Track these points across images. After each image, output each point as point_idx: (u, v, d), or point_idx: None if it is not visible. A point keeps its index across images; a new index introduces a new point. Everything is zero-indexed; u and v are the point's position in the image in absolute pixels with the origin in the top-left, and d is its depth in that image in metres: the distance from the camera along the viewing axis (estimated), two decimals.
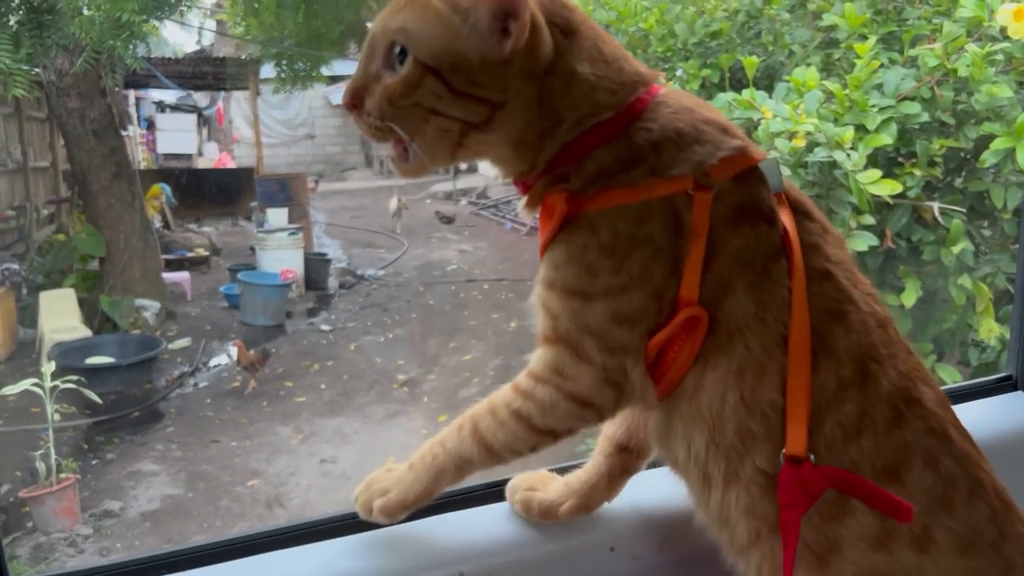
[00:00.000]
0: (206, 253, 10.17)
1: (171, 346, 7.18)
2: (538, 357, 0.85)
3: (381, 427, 5.75)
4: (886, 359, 0.79)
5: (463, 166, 16.94)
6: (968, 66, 2.41)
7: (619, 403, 0.84)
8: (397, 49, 0.78)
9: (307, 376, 6.71)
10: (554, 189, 0.82)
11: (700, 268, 0.78)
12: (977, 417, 1.26)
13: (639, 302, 0.80)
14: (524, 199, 0.87)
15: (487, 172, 14.08)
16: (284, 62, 8.68)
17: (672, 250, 0.79)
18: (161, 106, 17.07)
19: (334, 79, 15.63)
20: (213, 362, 7.03)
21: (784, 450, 0.76)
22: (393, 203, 12.22)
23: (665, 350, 0.79)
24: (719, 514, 0.80)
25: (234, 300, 8.25)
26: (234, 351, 6.47)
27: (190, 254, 9.94)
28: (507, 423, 0.85)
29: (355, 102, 0.80)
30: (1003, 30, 2.43)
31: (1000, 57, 2.44)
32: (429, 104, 0.77)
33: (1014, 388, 1.32)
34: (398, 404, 6.10)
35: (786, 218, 0.80)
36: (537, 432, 0.85)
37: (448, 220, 12.65)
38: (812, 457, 0.76)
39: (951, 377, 2.66)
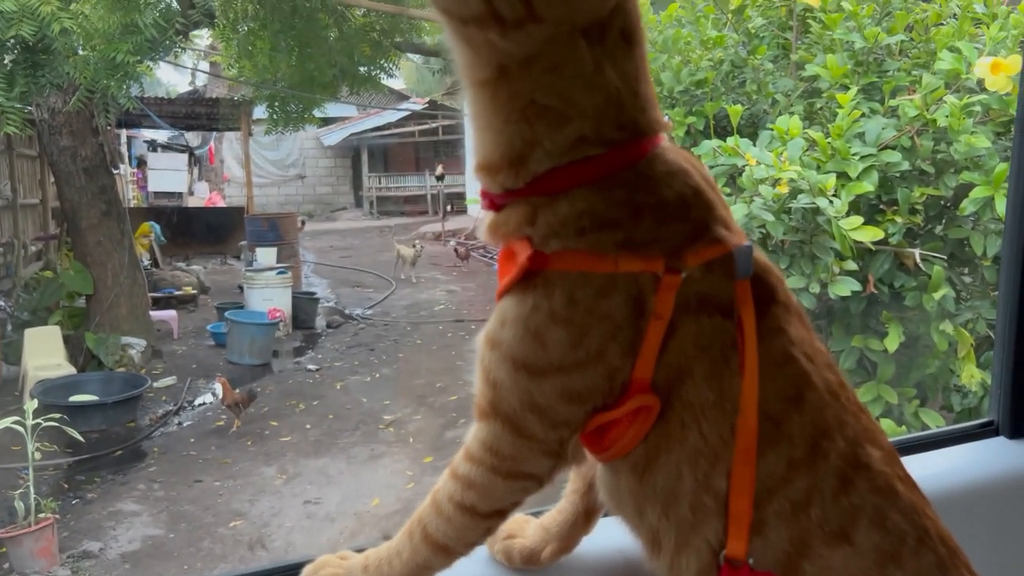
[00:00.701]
0: (194, 291, 10.15)
1: (156, 384, 7.13)
2: (474, 435, 0.81)
3: (366, 468, 5.71)
4: (836, 431, 0.78)
5: (450, 208, 17.05)
6: (947, 117, 2.47)
7: (555, 470, 0.82)
8: None
9: (292, 416, 6.67)
10: (520, 235, 0.76)
11: (657, 350, 0.75)
12: (959, 462, 1.28)
13: (592, 380, 0.76)
14: (487, 219, 0.80)
15: (475, 213, 14.14)
16: (277, 104, 8.77)
17: (631, 330, 0.75)
18: (153, 145, 17.16)
19: (326, 121, 15.79)
20: (198, 401, 6.98)
21: (724, 551, 0.76)
22: (407, 250, 11.83)
23: (609, 428, 0.77)
24: (669, 571, 0.80)
25: (221, 339, 8.22)
26: (219, 389, 6.44)
27: (178, 292, 9.93)
28: (454, 518, 0.81)
29: None
30: (980, 82, 2.49)
31: (978, 108, 2.50)
32: (465, 11, 0.69)
33: (996, 433, 1.33)
34: (384, 445, 6.06)
35: (747, 312, 0.77)
36: (486, 517, 0.82)
37: (464, 257, 12.74)
38: (751, 561, 0.76)
39: (934, 422, 2.67)
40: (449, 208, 17.24)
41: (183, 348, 8.46)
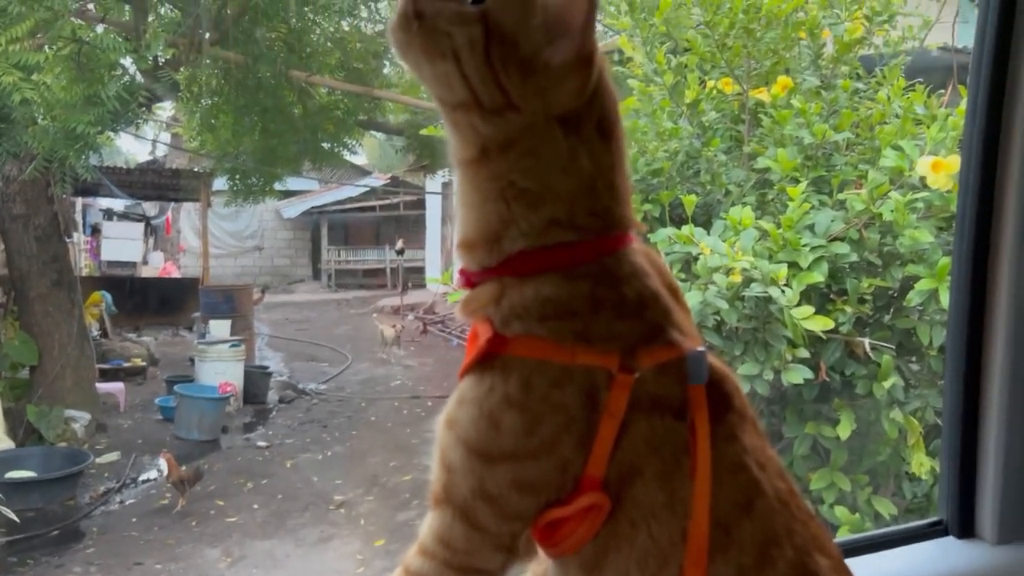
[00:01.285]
0: (143, 363, 9.93)
1: (99, 460, 6.89)
2: (428, 526, 0.81)
3: (315, 551, 5.53)
4: (785, 539, 0.79)
5: (409, 283, 17.05)
6: (892, 211, 2.55)
7: (507, 565, 0.81)
8: None
9: (240, 495, 6.47)
10: (485, 314, 0.78)
11: (609, 448, 0.75)
12: (909, 563, 1.28)
13: (544, 470, 0.76)
14: (463, 298, 0.82)
15: (434, 288, 14.17)
16: (238, 176, 8.80)
17: (584, 423, 0.76)
18: (109, 213, 16.97)
19: (287, 194, 15.83)
20: (142, 477, 6.75)
21: None
22: (388, 330, 11.46)
23: (560, 524, 0.77)
24: None
25: (169, 413, 8.01)
26: (164, 464, 6.24)
27: (126, 364, 9.70)
28: None
29: (418, 6, 0.76)
30: (923, 180, 2.59)
31: (920, 205, 2.60)
32: (458, 46, 0.74)
33: (945, 533, 1.35)
34: (334, 526, 5.90)
35: (700, 417, 0.78)
36: None
37: (425, 331, 12.69)
38: None
39: (886, 510, 2.69)
40: (408, 283, 17.23)
41: (129, 422, 8.22)
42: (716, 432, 0.78)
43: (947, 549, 1.31)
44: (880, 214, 2.60)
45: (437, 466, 0.80)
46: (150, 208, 17.70)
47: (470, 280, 0.82)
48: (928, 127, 2.71)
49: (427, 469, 0.82)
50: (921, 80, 2.96)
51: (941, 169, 2.50)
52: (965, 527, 1.33)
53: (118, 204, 16.56)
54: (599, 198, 0.79)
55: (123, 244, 16.24)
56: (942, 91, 2.97)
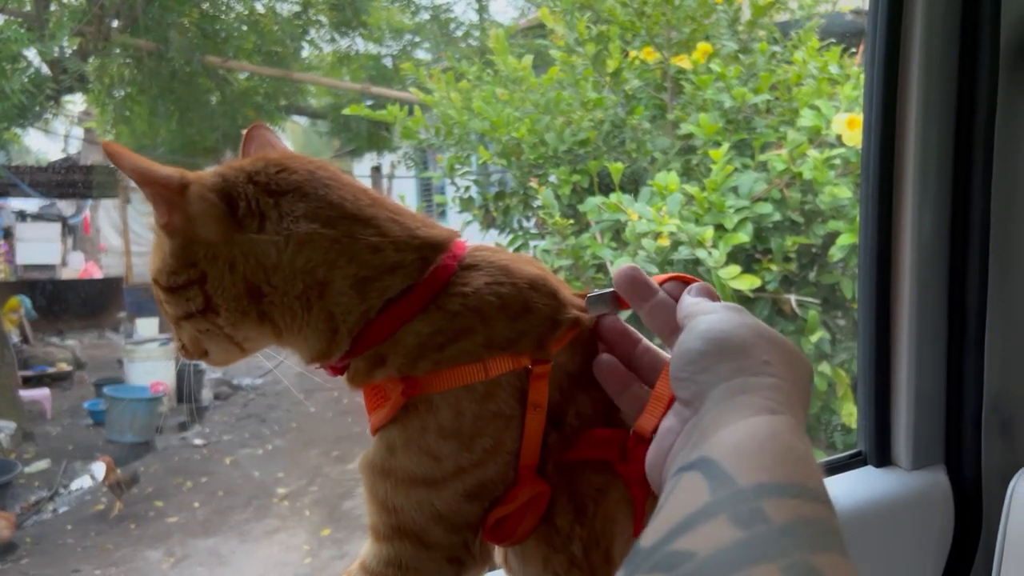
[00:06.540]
0: (69, 368, 9.61)
1: (27, 469, 6.65)
2: (373, 552, 0.77)
3: (260, 545, 5.46)
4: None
5: None
6: (811, 170, 2.62)
7: (461, 574, 0.79)
8: None
9: (179, 495, 6.34)
10: (382, 376, 0.74)
11: (540, 436, 0.73)
12: (833, 492, 1.34)
13: (492, 472, 0.74)
14: (346, 376, 0.77)
15: None
16: None
17: (520, 417, 0.73)
18: (22, 215, 16.28)
19: None
20: (75, 485, 6.55)
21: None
22: None
23: (505, 521, 0.75)
24: None
25: (99, 417, 7.78)
26: (100, 468, 6.07)
27: (51, 369, 9.37)
28: None
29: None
30: (839, 138, 2.67)
31: (838, 162, 2.67)
32: (174, 313, 0.82)
33: (864, 463, 1.44)
34: (278, 519, 5.83)
35: None
36: None
37: None
38: None
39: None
40: None
41: (58, 429, 7.95)
42: None
43: (867, 477, 1.39)
44: (800, 173, 2.66)
45: (377, 510, 0.76)
46: (66, 207, 17.03)
47: (336, 369, 0.77)
48: (843, 86, 2.78)
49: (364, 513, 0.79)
50: (835, 41, 3.04)
51: (856, 126, 2.57)
52: (882, 456, 1.41)
53: (32, 205, 15.89)
54: (383, 246, 0.73)
55: (40, 246, 15.61)
56: (854, 50, 3.05)
